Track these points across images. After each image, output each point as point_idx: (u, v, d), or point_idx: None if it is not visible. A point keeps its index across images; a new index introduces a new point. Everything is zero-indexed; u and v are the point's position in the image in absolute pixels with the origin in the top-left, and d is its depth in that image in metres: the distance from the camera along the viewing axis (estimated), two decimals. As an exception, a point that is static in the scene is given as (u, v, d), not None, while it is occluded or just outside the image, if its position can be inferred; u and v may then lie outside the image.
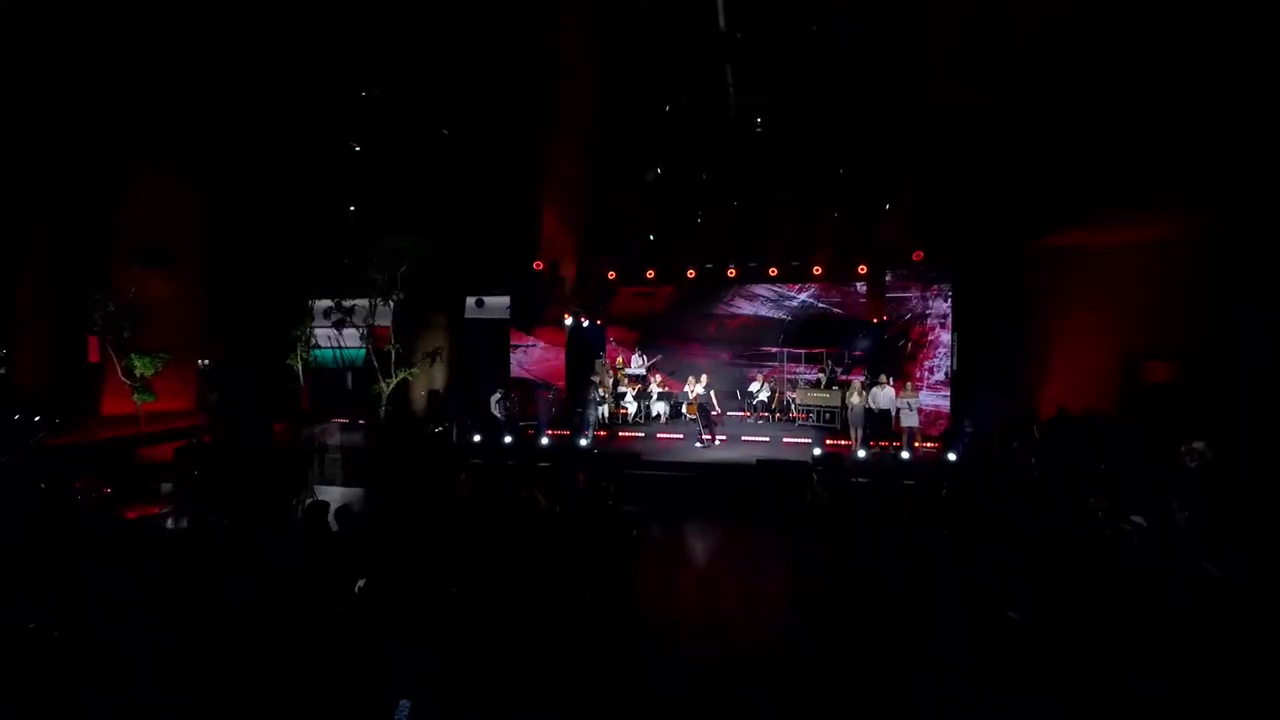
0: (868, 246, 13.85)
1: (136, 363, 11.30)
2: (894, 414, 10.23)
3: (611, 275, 15.86)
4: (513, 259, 13.62)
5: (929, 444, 10.81)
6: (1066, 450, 7.01)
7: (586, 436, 10.55)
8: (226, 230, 13.95)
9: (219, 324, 13.73)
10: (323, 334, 13.62)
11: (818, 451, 9.21)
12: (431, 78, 12.92)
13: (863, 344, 13.94)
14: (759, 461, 9.48)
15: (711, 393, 11.12)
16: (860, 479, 8.86)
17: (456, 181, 14.20)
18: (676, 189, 14.66)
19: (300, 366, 13.51)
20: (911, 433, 10.20)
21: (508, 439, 10.57)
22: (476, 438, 10.51)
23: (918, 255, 11.59)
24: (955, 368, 11.62)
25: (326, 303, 13.26)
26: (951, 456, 9.05)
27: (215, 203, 13.74)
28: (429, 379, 14.12)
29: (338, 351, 14.10)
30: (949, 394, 11.49)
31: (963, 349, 11.80)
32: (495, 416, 10.98)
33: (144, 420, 11.52)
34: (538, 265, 13.17)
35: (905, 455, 9.06)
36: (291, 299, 13.96)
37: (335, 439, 8.31)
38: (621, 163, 14.93)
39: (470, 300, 14.20)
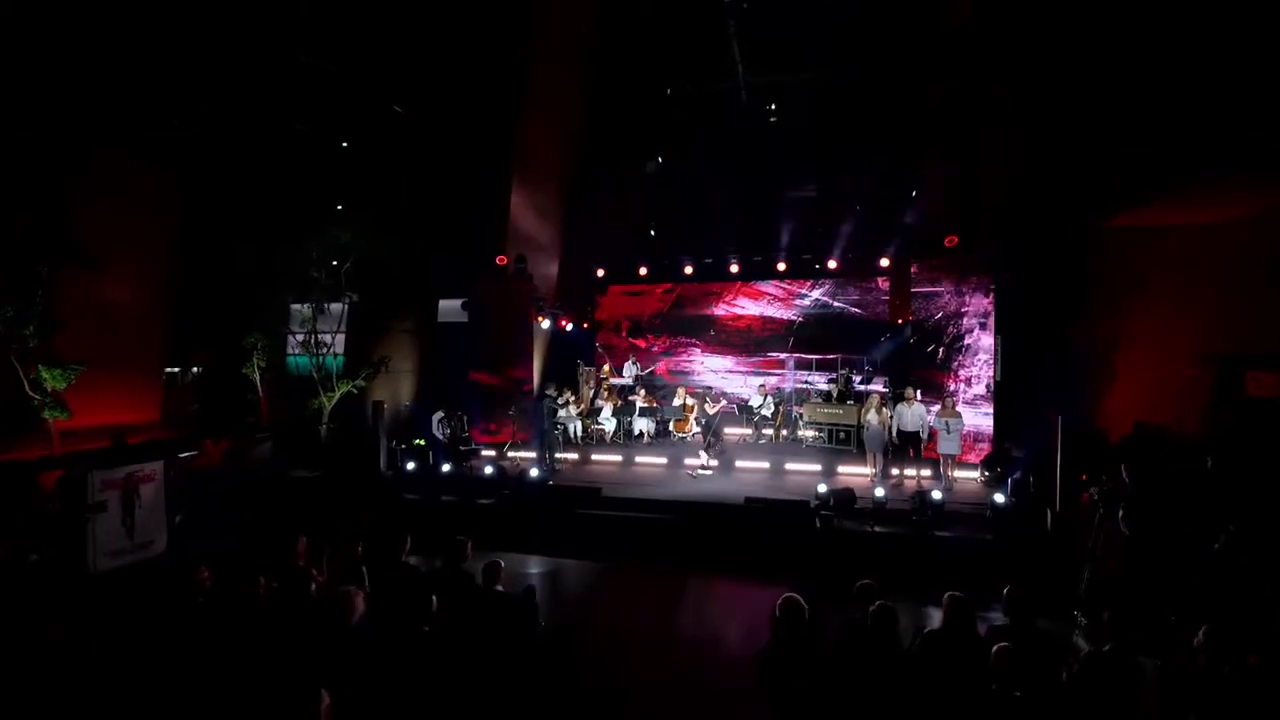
0: (891, 235, 12.02)
1: (45, 374, 9.98)
2: (924, 436, 8.17)
3: (600, 272, 14.22)
4: (479, 255, 11.89)
5: (966, 473, 8.71)
6: (1173, 501, 4.91)
7: (543, 465, 8.73)
8: (176, 227, 12.67)
9: (171, 329, 12.47)
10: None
11: (822, 489, 7.22)
12: (389, 46, 11.43)
13: (884, 349, 11.90)
14: (748, 501, 7.57)
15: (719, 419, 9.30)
16: (877, 527, 6.86)
17: (420, 168, 12.59)
18: (676, 178, 12.97)
19: (258, 376, 12.16)
20: (948, 461, 8.18)
21: (446, 467, 8.78)
22: (410, 465, 8.75)
23: (951, 240, 9.54)
24: (999, 378, 9.50)
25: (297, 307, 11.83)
26: (999, 498, 6.96)
27: (164, 197, 12.41)
28: (393, 393, 12.44)
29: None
30: (991, 411, 9.36)
31: (1008, 355, 9.67)
32: (438, 439, 9.21)
33: (58, 440, 10.25)
34: (501, 260, 11.38)
35: (938, 495, 7.02)
36: (246, 301, 12.58)
37: (158, 481, 6.50)
38: (613, 149, 13.44)
39: (456, 303, 12.50)
